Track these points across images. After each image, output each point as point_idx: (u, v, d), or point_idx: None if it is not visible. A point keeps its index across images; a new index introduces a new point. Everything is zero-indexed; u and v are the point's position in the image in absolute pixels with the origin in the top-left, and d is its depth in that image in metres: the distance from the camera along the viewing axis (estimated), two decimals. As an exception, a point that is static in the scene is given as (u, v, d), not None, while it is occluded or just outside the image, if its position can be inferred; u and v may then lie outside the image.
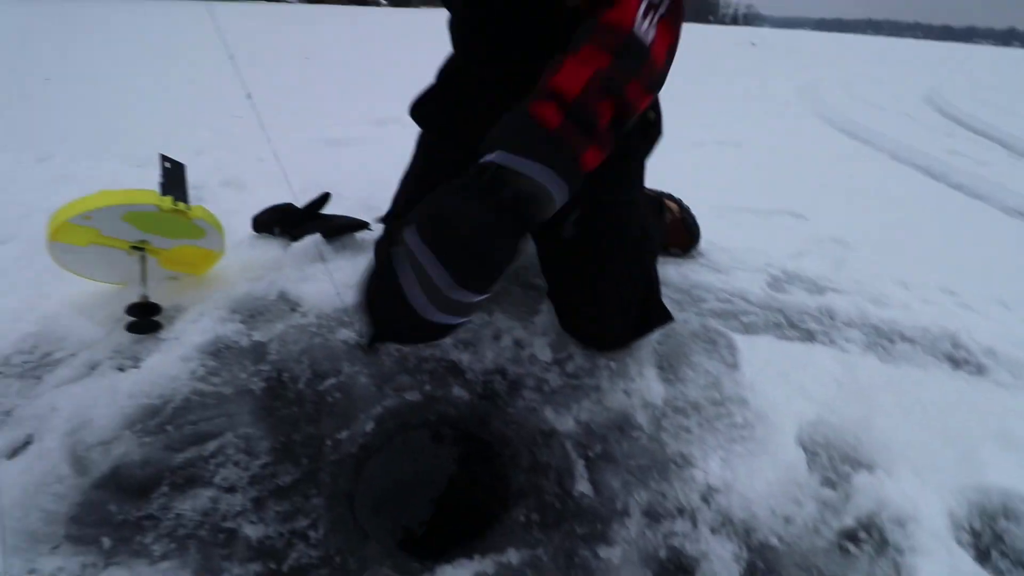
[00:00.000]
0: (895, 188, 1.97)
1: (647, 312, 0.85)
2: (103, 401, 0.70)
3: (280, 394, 0.76)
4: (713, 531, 0.59)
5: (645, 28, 0.56)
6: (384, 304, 0.54)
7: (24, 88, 2.77)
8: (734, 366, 0.86)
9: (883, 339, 0.98)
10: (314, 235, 1.08)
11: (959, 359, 0.94)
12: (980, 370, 0.91)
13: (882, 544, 0.59)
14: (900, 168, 2.28)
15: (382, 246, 0.85)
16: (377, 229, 1.16)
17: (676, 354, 0.89)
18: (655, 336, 0.89)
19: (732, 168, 2.04)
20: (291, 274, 1.03)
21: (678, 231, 1.22)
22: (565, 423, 0.73)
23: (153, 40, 5.28)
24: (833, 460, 0.70)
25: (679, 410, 0.76)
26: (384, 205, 1.02)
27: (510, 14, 0.74)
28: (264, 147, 1.32)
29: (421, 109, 0.95)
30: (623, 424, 0.74)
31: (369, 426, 0.71)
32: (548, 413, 0.75)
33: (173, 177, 1.00)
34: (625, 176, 0.85)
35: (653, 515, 0.61)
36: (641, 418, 0.74)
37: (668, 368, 0.85)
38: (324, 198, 1.15)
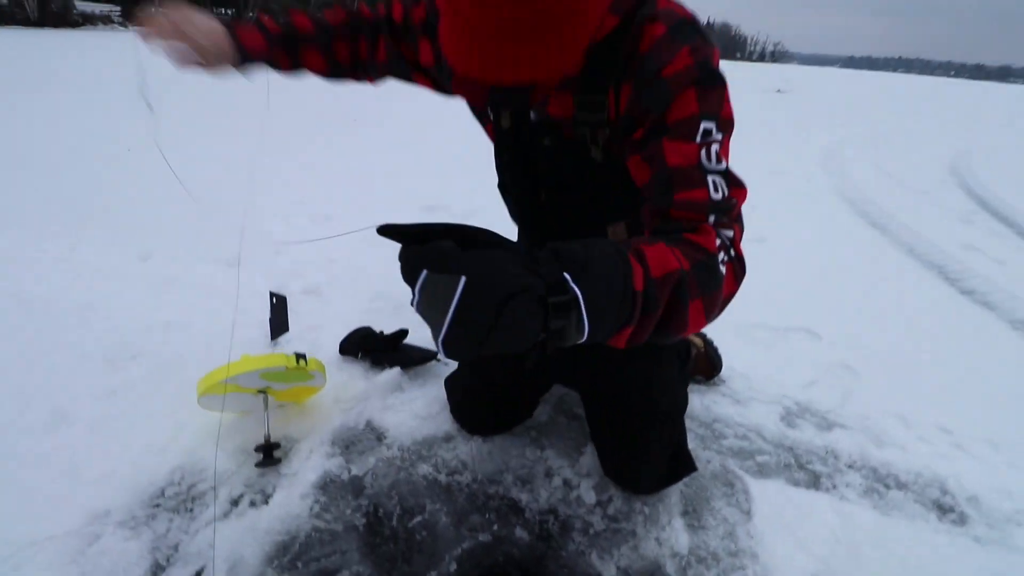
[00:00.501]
0: (908, 295, 2.11)
1: (676, 464, 1.03)
2: (248, 540, 0.91)
3: (378, 531, 0.96)
4: None
5: (721, 259, 0.62)
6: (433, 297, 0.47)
7: (111, 157, 3.10)
8: (748, 513, 1.03)
9: (879, 483, 1.13)
10: (394, 368, 1.30)
11: (945, 507, 1.09)
12: (962, 520, 1.06)
13: None
14: (915, 267, 2.42)
15: None
16: (444, 363, 1.37)
17: (699, 498, 1.06)
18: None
19: (754, 273, 2.20)
20: (376, 404, 1.24)
21: (702, 362, 1.40)
22: (608, 569, 0.91)
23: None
24: (828, 616, 0.86)
25: (701, 560, 0.93)
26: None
27: (543, 178, 0.91)
28: (334, 245, 1.60)
29: None
30: (655, 572, 0.91)
31: (453, 567, 0.90)
32: (594, 558, 0.93)
33: (279, 309, 1.23)
34: (669, 354, 1.04)
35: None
36: (670, 567, 0.92)
37: (692, 514, 1.02)
38: (403, 334, 1.37)
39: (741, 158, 0.80)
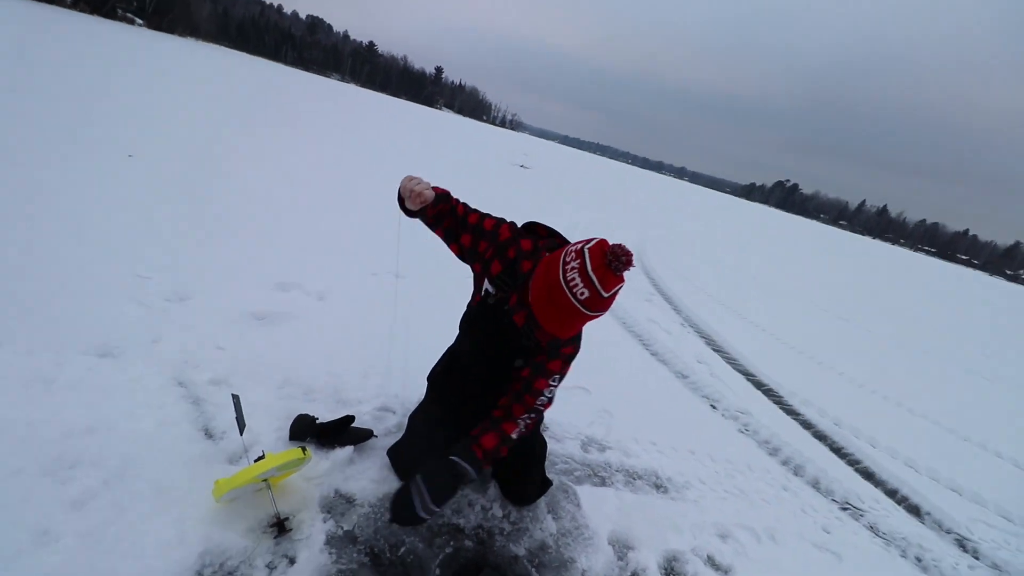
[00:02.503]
0: (627, 357, 3.41)
1: (543, 484, 1.79)
2: (299, 591, 1.29)
3: (381, 562, 1.44)
4: (587, 588, 1.54)
5: (523, 425, 1.46)
6: (403, 509, 1.32)
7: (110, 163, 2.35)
8: (578, 505, 1.86)
9: (631, 478, 2.12)
10: (346, 447, 1.73)
11: (659, 484, 2.13)
12: (665, 489, 2.11)
13: (639, 580, 1.61)
14: (627, 337, 3.83)
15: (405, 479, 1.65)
16: (380, 437, 1.85)
17: (554, 501, 1.84)
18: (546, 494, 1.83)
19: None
20: (338, 476, 1.66)
21: (537, 418, 2.23)
22: (519, 550, 1.60)
23: None
24: (616, 544, 1.73)
25: (564, 533, 1.71)
26: (349, 398, 1.80)
27: (495, 336, 1.63)
28: (217, 332, 1.96)
29: (434, 379, 1.77)
30: (543, 545, 1.64)
31: (438, 572, 1.46)
32: (511, 547, 1.61)
33: (238, 407, 1.57)
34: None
35: (565, 587, 1.53)
36: (550, 541, 1.66)
37: (553, 511, 1.80)
38: (348, 420, 1.80)
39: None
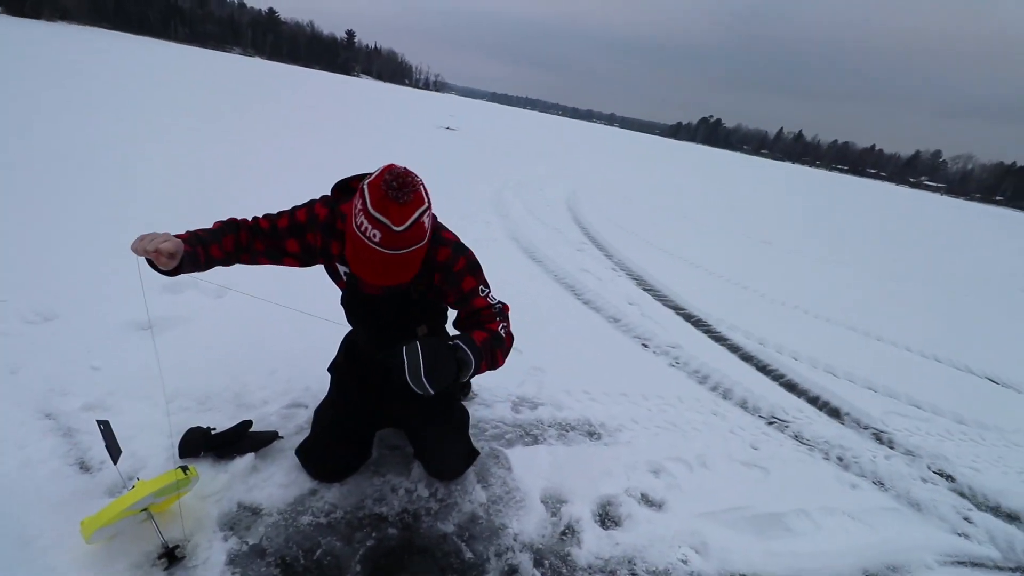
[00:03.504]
0: (559, 309, 3.37)
1: (468, 455, 1.72)
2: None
3: (294, 571, 1.33)
4: (508, 550, 1.50)
5: (502, 332, 1.41)
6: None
7: None
8: (509, 469, 1.81)
9: (563, 431, 2.10)
10: (246, 455, 1.58)
11: (592, 432, 2.13)
12: (598, 436, 2.11)
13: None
14: (558, 289, 3.79)
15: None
16: (287, 437, 1.71)
17: (484, 470, 1.79)
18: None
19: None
20: (239, 488, 1.52)
21: (462, 387, 2.15)
22: (448, 528, 1.54)
23: None
24: (549, 501, 1.70)
25: (495, 500, 1.66)
26: (253, 400, 1.67)
27: (381, 313, 1.51)
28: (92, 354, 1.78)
29: (335, 369, 1.64)
30: (473, 517, 1.59)
31: (358, 568, 1.37)
32: (439, 526, 1.54)
33: (108, 434, 1.40)
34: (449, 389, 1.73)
35: (498, 553, 1.48)
36: (480, 512, 1.61)
37: (483, 480, 1.74)
38: (247, 425, 1.64)
39: (436, 208, 1.49)
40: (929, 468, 2.42)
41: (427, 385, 1.19)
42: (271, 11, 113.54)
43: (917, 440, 2.64)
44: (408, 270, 1.21)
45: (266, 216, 1.46)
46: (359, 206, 1.17)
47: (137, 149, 5.50)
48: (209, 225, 1.43)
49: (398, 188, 1.14)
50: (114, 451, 1.45)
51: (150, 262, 1.23)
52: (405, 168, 1.19)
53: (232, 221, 1.44)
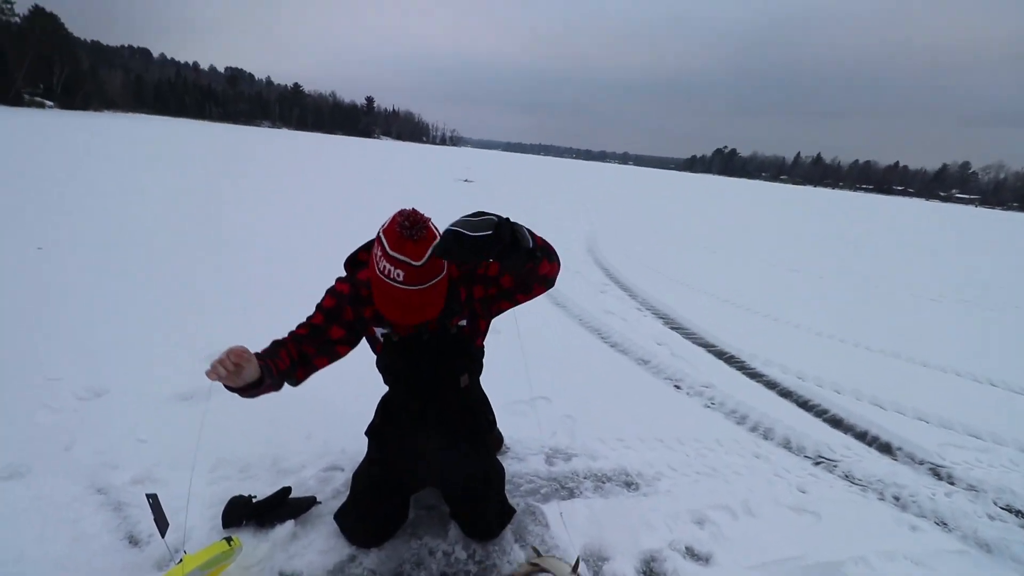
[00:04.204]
0: (586, 353, 3.36)
1: (503, 514, 1.70)
2: None
3: (336, 641, 1.32)
4: (563, 616, 1.45)
5: (554, 265, 1.40)
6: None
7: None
8: (547, 526, 1.78)
9: (599, 482, 2.06)
10: (286, 522, 1.60)
11: (630, 483, 2.08)
12: (636, 487, 2.05)
13: None
14: (584, 332, 3.79)
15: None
16: (325, 502, 1.73)
17: (520, 528, 1.76)
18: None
19: (500, 361, 3.12)
20: (280, 557, 1.53)
21: (495, 443, 2.14)
22: (488, 591, 1.51)
23: None
24: (590, 558, 1.65)
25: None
26: (291, 466, 1.69)
27: (422, 361, 1.55)
28: (139, 427, 1.83)
29: (373, 432, 1.69)
30: (512, 580, 1.55)
31: (400, 636, 1.35)
32: (478, 589, 1.51)
33: (156, 507, 1.43)
34: (485, 447, 1.73)
35: (540, 620, 1.44)
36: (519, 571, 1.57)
37: (520, 539, 1.71)
38: (286, 491, 1.67)
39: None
40: (996, 504, 2.26)
41: (468, 233, 1.07)
42: (296, 85, 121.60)
43: (979, 473, 2.48)
44: (435, 303, 1.33)
45: (299, 326, 1.48)
46: (379, 253, 1.28)
47: (222, 219, 5.86)
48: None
49: (411, 227, 1.25)
50: (162, 524, 1.49)
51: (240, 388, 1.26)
52: (413, 209, 1.30)
53: (275, 342, 1.44)
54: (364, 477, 1.64)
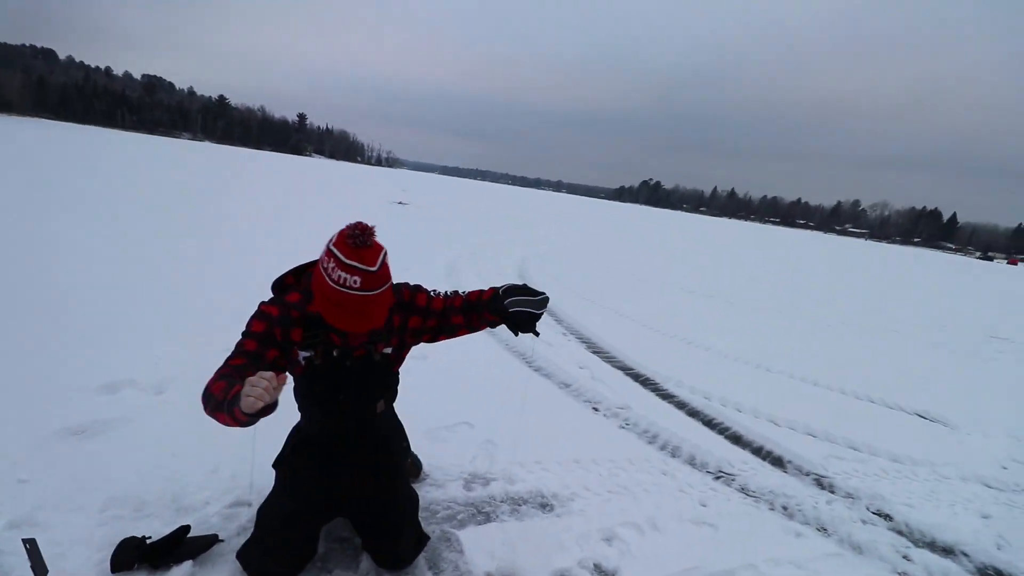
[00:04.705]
0: (514, 380, 3.43)
1: (418, 541, 1.71)
2: None
3: None
4: (472, 640, 1.48)
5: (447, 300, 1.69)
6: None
7: None
8: (461, 552, 1.80)
9: (516, 505, 2.11)
10: (183, 563, 1.52)
11: (545, 504, 2.15)
12: (551, 509, 2.13)
13: (526, 613, 1.58)
14: (510, 359, 3.87)
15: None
16: (228, 539, 1.65)
17: (434, 555, 1.77)
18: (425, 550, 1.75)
19: (423, 387, 3.13)
20: (175, 601, 1.45)
21: (412, 470, 2.14)
22: (398, 622, 1.50)
23: None
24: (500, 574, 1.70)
25: (445, 589, 1.64)
26: (193, 502, 1.69)
27: (343, 383, 1.55)
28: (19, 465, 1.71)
29: (281, 462, 1.66)
30: (424, 608, 1.56)
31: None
32: (388, 620, 1.50)
33: (34, 554, 1.34)
34: (399, 475, 1.74)
35: (449, 646, 1.45)
36: (431, 601, 1.58)
37: (434, 566, 1.72)
38: (185, 530, 1.58)
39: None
40: (868, 509, 2.55)
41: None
42: (222, 97, 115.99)
43: (855, 482, 2.78)
44: (384, 309, 1.41)
45: (233, 357, 1.39)
46: (332, 264, 1.34)
47: (108, 232, 5.38)
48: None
49: (361, 235, 1.34)
50: (40, 571, 1.38)
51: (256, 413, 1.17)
52: (359, 221, 1.38)
53: (224, 375, 1.33)
54: (271, 509, 1.60)
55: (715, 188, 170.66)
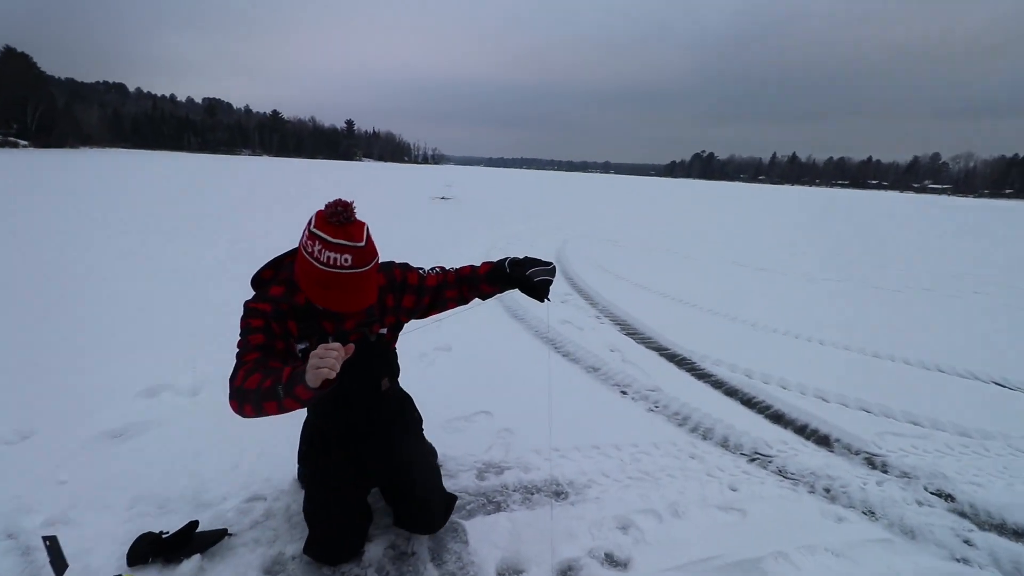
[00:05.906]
0: (537, 366, 3.36)
1: (447, 506, 1.75)
2: None
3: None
4: (469, 633, 1.45)
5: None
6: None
7: None
8: (466, 543, 1.77)
9: (529, 494, 2.06)
10: (192, 557, 1.58)
11: (560, 492, 2.08)
12: (565, 496, 2.06)
13: None
14: (539, 345, 3.80)
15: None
16: (239, 533, 1.72)
17: (439, 547, 1.75)
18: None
19: (446, 377, 3.13)
20: (185, 593, 1.51)
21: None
22: (396, 613, 1.50)
23: None
24: (506, 573, 1.65)
25: (446, 580, 1.62)
26: (212, 498, 1.70)
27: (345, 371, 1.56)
28: (61, 468, 1.79)
29: (304, 457, 1.71)
30: (423, 600, 1.55)
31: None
32: (386, 612, 1.50)
33: (54, 550, 1.41)
34: (419, 441, 1.77)
35: (445, 638, 1.43)
36: (430, 593, 1.57)
37: (437, 558, 1.70)
38: (195, 524, 1.65)
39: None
40: (926, 489, 2.30)
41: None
42: (275, 112, 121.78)
43: (913, 460, 2.52)
44: (374, 287, 1.41)
45: (245, 353, 1.40)
46: (317, 247, 1.31)
47: (168, 250, 5.81)
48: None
49: (343, 212, 1.32)
50: (60, 566, 1.47)
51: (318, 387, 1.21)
52: (337, 198, 1.35)
53: (260, 363, 1.36)
54: (311, 503, 1.62)
55: (774, 154, 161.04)
